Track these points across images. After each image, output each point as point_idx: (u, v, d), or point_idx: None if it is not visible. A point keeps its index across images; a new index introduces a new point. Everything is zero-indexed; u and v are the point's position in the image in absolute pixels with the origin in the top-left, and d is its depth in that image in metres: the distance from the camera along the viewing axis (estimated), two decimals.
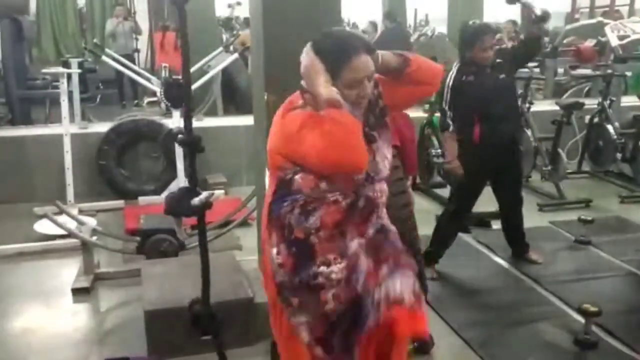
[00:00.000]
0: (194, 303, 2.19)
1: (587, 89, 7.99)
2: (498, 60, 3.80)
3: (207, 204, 2.03)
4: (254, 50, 3.31)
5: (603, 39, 7.06)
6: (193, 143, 2.05)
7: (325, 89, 1.79)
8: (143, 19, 11.34)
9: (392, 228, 2.06)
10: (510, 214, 4.15)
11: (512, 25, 10.63)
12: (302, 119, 1.84)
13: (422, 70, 2.01)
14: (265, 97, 3.07)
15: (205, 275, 2.18)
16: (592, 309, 3.15)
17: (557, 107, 5.80)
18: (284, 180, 1.91)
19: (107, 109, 9.76)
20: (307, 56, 1.87)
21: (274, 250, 1.95)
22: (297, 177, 1.88)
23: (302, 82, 1.90)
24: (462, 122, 3.80)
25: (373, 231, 1.98)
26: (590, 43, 8.00)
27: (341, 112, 1.77)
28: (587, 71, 7.55)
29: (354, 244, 1.93)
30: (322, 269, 1.90)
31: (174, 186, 5.36)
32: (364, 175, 1.91)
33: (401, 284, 1.91)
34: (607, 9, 13.72)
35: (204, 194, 2.02)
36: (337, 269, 1.90)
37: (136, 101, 10.15)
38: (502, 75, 3.81)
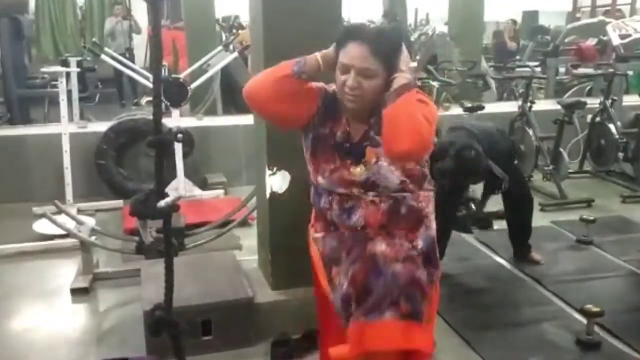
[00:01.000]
0: (156, 308, 2.12)
1: (588, 88, 7.97)
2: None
3: (173, 207, 1.96)
4: (254, 49, 3.28)
5: (605, 38, 7.04)
6: (162, 144, 1.98)
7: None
8: (141, 18, 11.29)
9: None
10: (513, 212, 4.11)
11: (512, 24, 10.62)
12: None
13: (387, 126, 1.79)
14: None
15: (168, 281, 2.12)
16: (594, 309, 3.14)
17: (558, 107, 5.77)
18: (308, 166, 2.08)
19: (106, 108, 9.77)
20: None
21: (319, 235, 2.12)
22: (309, 165, 2.01)
23: None
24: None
25: (424, 244, 2.01)
26: (591, 42, 7.98)
27: (283, 64, 1.97)
28: (588, 70, 7.53)
29: (404, 248, 1.98)
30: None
31: (173, 185, 5.34)
32: (363, 178, 1.93)
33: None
34: (608, 8, 13.69)
35: (171, 197, 1.96)
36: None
37: (135, 100, 10.12)
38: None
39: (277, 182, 3.14)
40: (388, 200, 1.93)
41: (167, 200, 1.90)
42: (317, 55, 1.94)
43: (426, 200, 2.00)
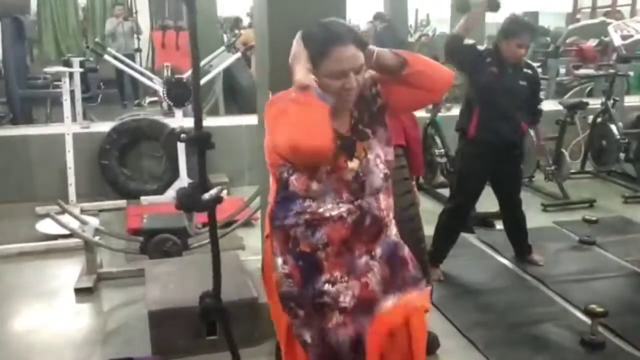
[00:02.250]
0: (205, 296, 2.18)
1: (589, 89, 7.99)
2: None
3: (217, 199, 2.03)
4: (259, 49, 3.29)
5: (606, 39, 7.06)
6: (203, 140, 2.04)
7: (300, 73, 1.76)
8: (142, 19, 11.31)
9: (405, 249, 2.00)
10: (508, 215, 4.13)
11: None
12: (277, 106, 1.80)
13: (421, 74, 1.87)
14: (270, 95, 3.05)
15: (216, 269, 2.18)
16: (598, 309, 3.14)
17: (560, 107, 5.79)
18: (281, 182, 1.86)
19: (108, 108, 9.78)
20: (296, 44, 1.84)
21: (280, 260, 1.90)
22: (292, 177, 1.82)
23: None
24: (465, 106, 3.84)
25: (382, 250, 1.92)
26: (591, 43, 8.00)
27: (306, 94, 1.72)
28: (589, 71, 7.55)
29: (362, 262, 1.89)
30: (327, 287, 1.86)
31: (177, 186, 5.35)
32: (353, 174, 1.84)
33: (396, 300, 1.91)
34: (608, 9, 13.70)
35: (214, 189, 2.03)
36: (342, 288, 1.86)
37: (137, 101, 10.14)
38: (523, 82, 3.77)
39: None
40: (355, 213, 1.85)
41: (212, 192, 1.98)
42: (312, 79, 1.75)
43: (388, 208, 1.94)
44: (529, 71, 3.82)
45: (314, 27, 1.85)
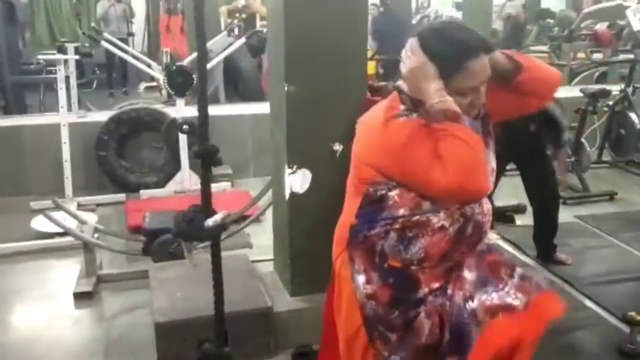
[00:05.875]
0: (204, 341, 1.88)
1: (597, 74, 7.74)
2: None
3: (223, 226, 1.73)
4: (273, 39, 3.04)
5: (621, 22, 6.80)
6: (209, 154, 1.75)
7: (440, 97, 1.53)
8: (137, 2, 10.99)
9: (497, 250, 1.84)
10: (536, 208, 3.91)
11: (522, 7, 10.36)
12: (410, 130, 1.57)
13: (535, 80, 1.71)
14: (286, 88, 2.82)
15: (219, 313, 1.86)
16: (639, 317, 2.93)
17: (578, 94, 5.53)
18: (372, 198, 1.63)
19: (104, 94, 9.52)
20: (414, 56, 1.59)
21: (362, 278, 1.68)
22: (392, 193, 1.60)
23: (400, 83, 1.65)
24: None
25: (480, 253, 1.74)
26: (602, 26, 7.74)
27: (464, 128, 1.52)
28: (608, 57, 7.28)
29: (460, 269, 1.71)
30: (425, 298, 1.66)
31: (178, 178, 5.12)
32: None
33: (496, 294, 1.66)
34: None
35: (220, 214, 1.71)
36: (441, 299, 1.67)
37: (124, 89, 9.83)
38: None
39: (298, 181, 2.91)
40: (459, 220, 1.65)
41: (216, 218, 1.66)
42: (452, 103, 1.55)
43: (489, 213, 1.76)
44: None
45: (438, 37, 1.60)
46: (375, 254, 1.66)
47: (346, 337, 1.79)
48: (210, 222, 1.68)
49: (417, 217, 1.61)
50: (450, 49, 1.57)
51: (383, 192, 1.62)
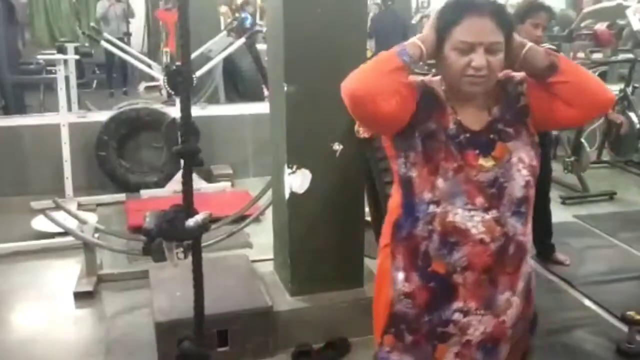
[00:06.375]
0: (184, 338, 1.88)
1: (596, 74, 7.70)
2: None
3: (203, 227, 1.72)
4: (272, 37, 3.05)
5: (621, 22, 6.80)
6: (190, 154, 1.74)
7: (418, 37, 1.64)
8: (137, 2, 10.97)
9: (534, 279, 1.79)
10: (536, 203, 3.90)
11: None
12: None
13: (573, 87, 1.60)
14: (285, 88, 2.83)
15: (198, 309, 1.86)
16: (637, 316, 2.94)
17: None
18: (403, 179, 1.66)
19: (104, 94, 9.52)
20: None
21: (401, 275, 1.67)
22: (412, 174, 1.62)
23: None
24: None
25: (523, 282, 1.70)
26: (602, 25, 7.73)
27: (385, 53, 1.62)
28: (599, 56, 7.29)
29: (504, 298, 1.66)
30: (457, 316, 1.63)
31: (178, 178, 5.11)
32: (490, 177, 1.61)
33: None
34: None
35: (201, 215, 1.71)
36: (475, 322, 1.64)
37: (124, 89, 9.81)
38: None
39: (298, 181, 2.92)
40: (500, 239, 1.62)
41: (197, 218, 1.66)
42: (417, 41, 1.61)
43: (530, 233, 1.71)
44: None
45: None
46: (419, 255, 1.65)
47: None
48: (191, 222, 1.67)
49: (450, 217, 1.60)
50: (453, 3, 1.62)
51: (403, 169, 1.65)
